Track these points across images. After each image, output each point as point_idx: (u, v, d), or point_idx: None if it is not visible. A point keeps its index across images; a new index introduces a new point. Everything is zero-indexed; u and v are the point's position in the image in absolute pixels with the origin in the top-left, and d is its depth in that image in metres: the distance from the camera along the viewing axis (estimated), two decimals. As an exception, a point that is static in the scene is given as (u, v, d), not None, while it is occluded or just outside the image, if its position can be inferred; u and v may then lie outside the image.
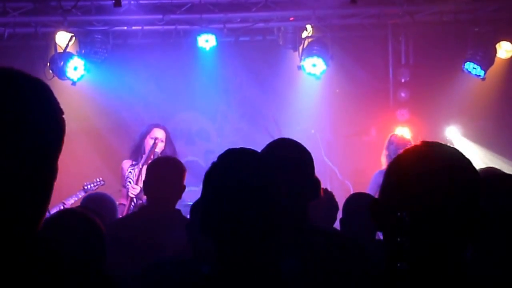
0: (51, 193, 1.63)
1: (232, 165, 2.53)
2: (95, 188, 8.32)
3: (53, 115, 1.62)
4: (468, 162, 1.99)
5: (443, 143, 2.08)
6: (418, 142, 2.04)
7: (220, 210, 2.45)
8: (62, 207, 7.74)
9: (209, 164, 2.61)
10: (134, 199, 7.25)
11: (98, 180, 8.43)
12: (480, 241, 2.76)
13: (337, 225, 5.09)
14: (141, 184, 6.97)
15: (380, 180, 2.05)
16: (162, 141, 7.66)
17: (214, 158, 2.62)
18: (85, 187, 8.30)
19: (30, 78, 1.62)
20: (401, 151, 2.09)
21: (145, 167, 6.89)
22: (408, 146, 2.12)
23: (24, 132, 1.54)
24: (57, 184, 1.60)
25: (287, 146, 3.36)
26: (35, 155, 1.56)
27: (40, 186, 1.59)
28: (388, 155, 8.06)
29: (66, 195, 8.12)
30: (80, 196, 8.09)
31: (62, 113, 1.64)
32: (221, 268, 2.45)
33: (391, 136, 8.46)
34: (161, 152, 7.56)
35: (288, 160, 3.22)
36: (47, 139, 1.60)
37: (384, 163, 8.17)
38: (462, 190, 1.94)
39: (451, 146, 2.05)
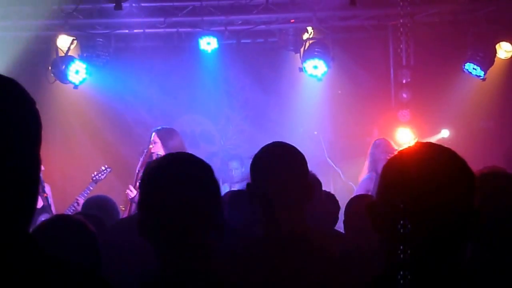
0: (38, 186, 1.61)
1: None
2: (104, 176, 8.29)
3: (26, 107, 1.60)
4: (462, 162, 2.01)
5: (437, 143, 2.10)
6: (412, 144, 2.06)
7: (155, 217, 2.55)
8: (76, 204, 7.75)
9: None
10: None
11: (104, 168, 8.39)
12: (479, 240, 2.79)
13: (339, 226, 5.10)
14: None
15: (369, 186, 2.07)
16: (154, 142, 7.67)
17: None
18: (94, 178, 8.26)
19: None
20: (390, 155, 2.10)
21: (141, 171, 7.13)
22: (400, 149, 2.14)
23: (3, 128, 1.52)
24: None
25: (278, 150, 3.37)
26: (15, 149, 1.53)
27: (25, 181, 1.56)
28: (379, 160, 7.93)
29: (70, 197, 8.12)
30: (92, 189, 8.09)
31: (35, 103, 1.62)
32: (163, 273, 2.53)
33: (377, 141, 8.39)
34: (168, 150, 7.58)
35: (279, 164, 3.23)
36: (25, 131, 1.57)
37: (367, 167, 8.10)
38: (458, 190, 1.96)
39: (446, 146, 2.07)
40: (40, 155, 1.61)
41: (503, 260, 2.87)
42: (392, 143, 8.37)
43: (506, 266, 2.84)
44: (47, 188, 7.73)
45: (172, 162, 2.67)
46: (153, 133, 7.74)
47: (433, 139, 9.55)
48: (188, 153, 2.73)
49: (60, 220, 3.36)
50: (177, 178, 2.56)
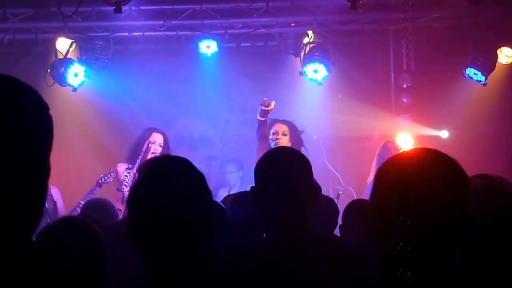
0: (46, 193, 1.60)
1: (160, 176, 2.51)
2: (110, 180, 8.15)
3: (41, 113, 1.59)
4: (458, 167, 1.98)
5: (432, 148, 2.06)
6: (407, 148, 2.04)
7: (150, 222, 2.42)
8: (79, 208, 7.66)
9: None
10: None
11: (112, 172, 8.23)
12: (469, 246, 2.75)
13: (337, 231, 5.09)
14: None
15: None
16: (160, 145, 7.61)
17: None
18: (100, 181, 8.14)
19: (13, 80, 1.60)
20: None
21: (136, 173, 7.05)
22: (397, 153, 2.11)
23: (17, 134, 1.51)
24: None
25: (282, 155, 3.37)
26: (27, 155, 1.52)
27: (34, 187, 1.55)
28: None
29: (68, 201, 8.07)
30: (95, 192, 7.98)
31: (48, 108, 1.61)
32: (154, 279, 2.43)
33: (387, 143, 8.40)
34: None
35: (284, 168, 3.22)
36: (39, 137, 1.57)
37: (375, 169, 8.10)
38: (453, 195, 1.94)
39: (441, 151, 2.03)
40: (49, 162, 1.60)
41: (490, 268, 2.84)
42: (399, 145, 8.36)
43: (493, 274, 2.82)
44: (55, 191, 7.66)
45: (166, 167, 2.57)
46: (159, 135, 7.70)
47: (430, 133, 9.56)
48: (181, 158, 2.62)
49: (67, 222, 3.34)
50: (170, 183, 2.45)
